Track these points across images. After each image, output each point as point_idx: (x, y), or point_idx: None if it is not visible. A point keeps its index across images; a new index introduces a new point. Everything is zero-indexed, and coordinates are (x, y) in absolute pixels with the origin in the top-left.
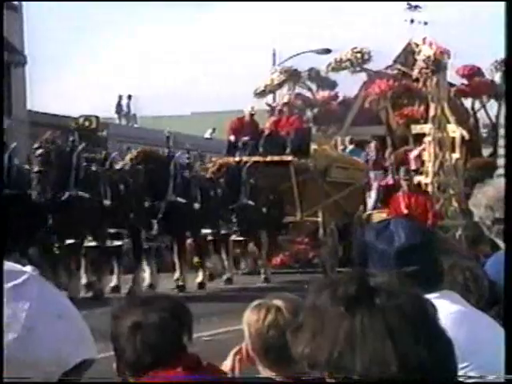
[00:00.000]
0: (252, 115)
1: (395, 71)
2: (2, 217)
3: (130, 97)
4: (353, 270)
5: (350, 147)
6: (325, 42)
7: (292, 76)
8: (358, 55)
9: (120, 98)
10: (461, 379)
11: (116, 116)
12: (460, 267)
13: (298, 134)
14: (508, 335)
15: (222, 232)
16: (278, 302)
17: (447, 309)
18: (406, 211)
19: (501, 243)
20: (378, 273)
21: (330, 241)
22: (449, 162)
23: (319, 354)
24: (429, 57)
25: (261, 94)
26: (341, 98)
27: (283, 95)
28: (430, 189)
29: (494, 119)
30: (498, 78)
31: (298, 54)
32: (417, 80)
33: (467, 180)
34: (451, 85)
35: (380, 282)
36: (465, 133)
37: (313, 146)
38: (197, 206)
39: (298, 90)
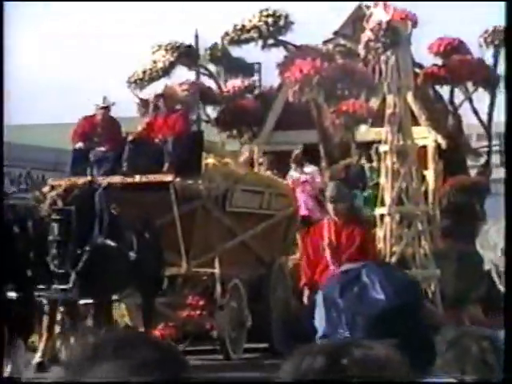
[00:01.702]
0: (105, 110)
1: (335, 47)
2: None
3: None
4: (321, 341)
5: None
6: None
7: (184, 56)
8: (270, 20)
9: None
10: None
11: None
12: (472, 336)
13: (183, 141)
14: (508, 335)
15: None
16: None
17: None
18: (328, 250)
19: None
20: (356, 345)
21: (233, 303)
22: (416, 183)
23: None
24: (380, 23)
25: (138, 84)
26: (260, 90)
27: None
28: (387, 222)
29: (485, 118)
30: (489, 55)
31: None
32: (366, 60)
33: (446, 209)
34: (420, 67)
35: (354, 358)
36: (441, 139)
37: (208, 160)
38: None
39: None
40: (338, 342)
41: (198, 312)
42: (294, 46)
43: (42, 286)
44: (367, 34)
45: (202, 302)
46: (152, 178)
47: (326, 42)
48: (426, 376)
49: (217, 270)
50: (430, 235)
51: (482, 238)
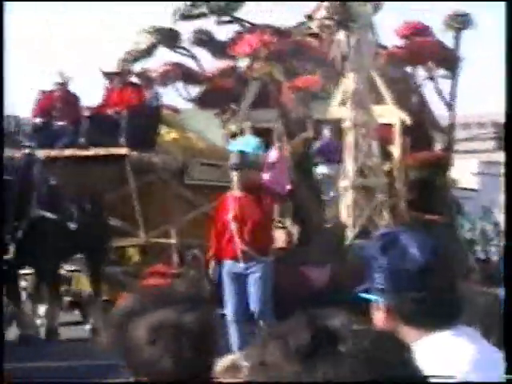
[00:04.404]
0: (63, 85)
1: (305, 30)
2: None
3: None
4: (301, 314)
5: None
6: None
7: (167, 38)
8: None
9: None
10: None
11: None
12: (476, 293)
13: (138, 115)
14: (508, 335)
15: None
16: None
17: (466, 351)
18: (233, 223)
19: None
20: (333, 313)
21: (192, 272)
22: (377, 157)
23: None
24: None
25: (122, 65)
26: (240, 71)
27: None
28: (349, 194)
29: (447, 97)
30: (450, 38)
31: None
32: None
33: (411, 182)
34: (385, 49)
35: (339, 325)
36: (406, 116)
37: (171, 135)
38: None
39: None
40: (313, 313)
41: (157, 280)
42: (250, 23)
43: None
44: (322, 13)
45: (161, 271)
46: (107, 151)
47: (298, 26)
48: (453, 326)
49: (173, 241)
50: (394, 208)
51: None
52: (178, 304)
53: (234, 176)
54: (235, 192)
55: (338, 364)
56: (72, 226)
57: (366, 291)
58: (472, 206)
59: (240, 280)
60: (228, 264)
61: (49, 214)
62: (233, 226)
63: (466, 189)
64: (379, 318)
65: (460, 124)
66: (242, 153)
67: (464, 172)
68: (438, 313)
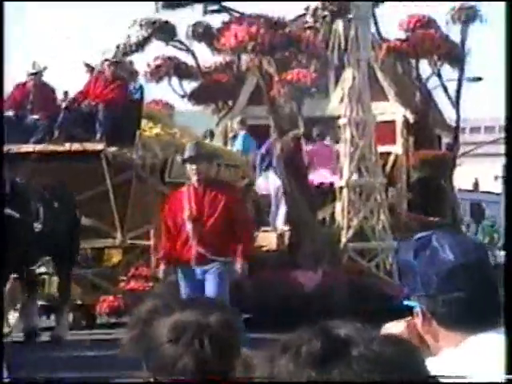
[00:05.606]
0: (36, 76)
1: (303, 23)
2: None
3: None
4: (311, 326)
5: (242, 133)
6: None
7: (161, 31)
8: None
9: None
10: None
11: None
12: None
13: (118, 109)
14: (508, 335)
15: None
16: None
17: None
18: (189, 223)
19: None
20: (340, 323)
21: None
22: (375, 157)
23: None
24: None
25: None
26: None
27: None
28: (345, 195)
29: (453, 95)
30: (455, 32)
31: None
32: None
33: (412, 182)
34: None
35: (349, 332)
36: (409, 114)
37: (154, 130)
38: None
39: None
40: (323, 323)
41: (139, 284)
42: (238, 12)
43: None
44: (315, 3)
45: (143, 274)
46: (82, 146)
47: (296, 19)
48: (492, 330)
49: (151, 242)
50: (392, 209)
51: None
52: (200, 306)
53: (190, 170)
54: (192, 187)
55: (351, 366)
56: (37, 226)
57: (408, 298)
58: (495, 210)
59: (197, 284)
60: (183, 269)
61: (8, 211)
62: (189, 226)
63: (489, 192)
64: (418, 323)
65: (483, 127)
66: (197, 144)
67: (488, 175)
68: (475, 314)
